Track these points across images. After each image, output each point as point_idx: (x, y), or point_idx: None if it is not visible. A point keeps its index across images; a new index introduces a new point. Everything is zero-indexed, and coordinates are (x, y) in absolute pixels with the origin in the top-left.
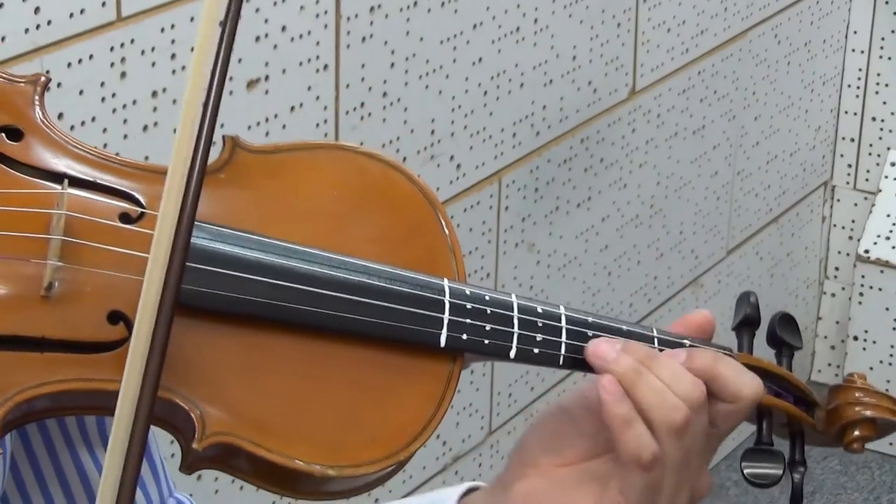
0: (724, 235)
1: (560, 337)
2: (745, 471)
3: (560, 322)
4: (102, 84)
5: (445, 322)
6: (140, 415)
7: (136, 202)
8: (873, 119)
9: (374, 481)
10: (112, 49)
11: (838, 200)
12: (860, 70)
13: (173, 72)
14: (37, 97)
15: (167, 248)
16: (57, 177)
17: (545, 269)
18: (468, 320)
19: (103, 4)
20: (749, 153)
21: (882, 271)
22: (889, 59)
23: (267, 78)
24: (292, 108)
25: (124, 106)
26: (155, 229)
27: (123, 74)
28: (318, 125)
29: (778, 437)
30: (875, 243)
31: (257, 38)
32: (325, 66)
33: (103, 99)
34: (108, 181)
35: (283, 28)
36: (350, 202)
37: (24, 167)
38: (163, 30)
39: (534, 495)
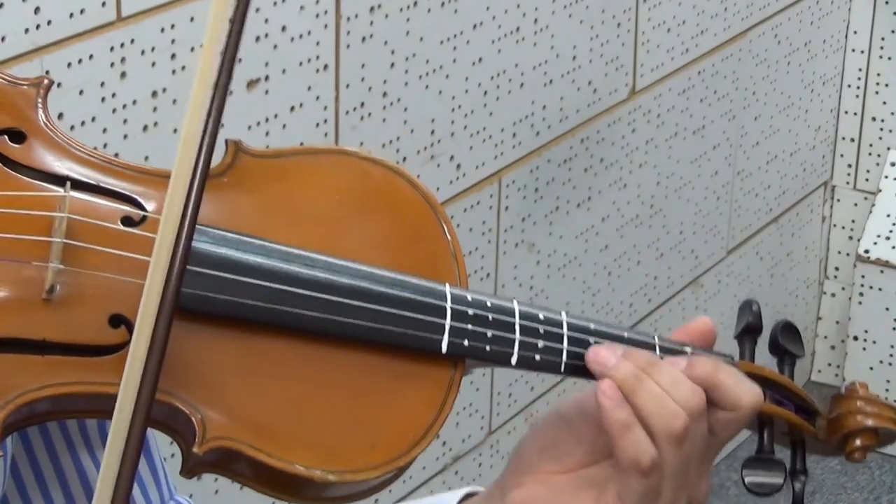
0: (724, 235)
1: (562, 344)
2: (746, 479)
3: (562, 329)
4: (102, 84)
5: (447, 328)
6: (137, 418)
7: (139, 205)
8: (873, 119)
9: (374, 487)
10: (112, 49)
11: (838, 200)
12: (860, 70)
13: (173, 72)
14: (40, 100)
15: (169, 252)
16: (59, 179)
17: (545, 269)
18: (470, 326)
19: (103, 4)
20: (749, 153)
21: (882, 271)
22: (889, 59)
23: (267, 78)
24: (292, 108)
25: (124, 106)
26: (157, 233)
27: (123, 74)
28: (318, 125)
29: (779, 445)
30: (875, 243)
31: (257, 38)
32: (325, 66)
33: (103, 99)
34: (110, 184)
35: (283, 28)
36: (352, 207)
37: (26, 170)
38: (163, 30)
39: (532, 503)
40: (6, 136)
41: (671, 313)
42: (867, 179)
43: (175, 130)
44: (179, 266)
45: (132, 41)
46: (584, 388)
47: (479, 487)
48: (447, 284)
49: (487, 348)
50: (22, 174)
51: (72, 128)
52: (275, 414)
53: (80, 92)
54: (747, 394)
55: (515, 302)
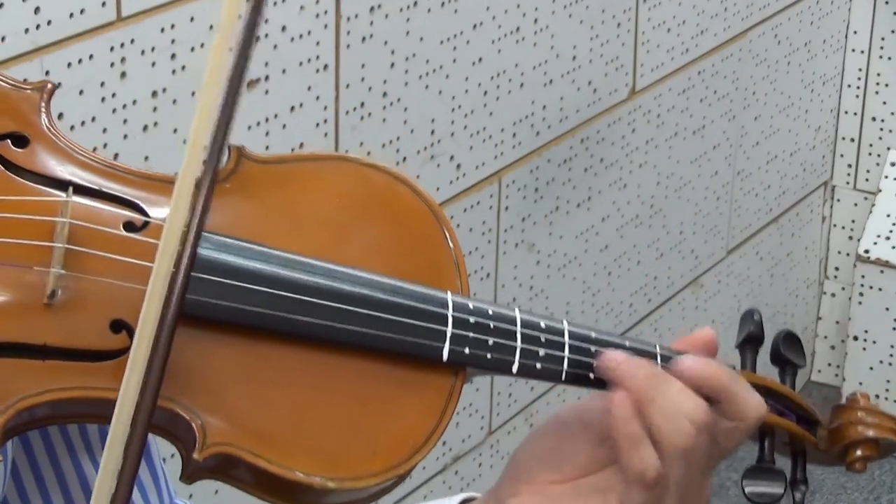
0: (724, 235)
1: (563, 352)
2: (747, 489)
3: (563, 337)
4: (102, 84)
5: (448, 336)
6: (139, 423)
7: (141, 211)
8: (873, 119)
9: (374, 494)
10: (112, 49)
11: (838, 200)
12: (860, 70)
13: (173, 72)
14: (43, 104)
15: (172, 260)
16: (62, 184)
17: (545, 269)
18: (471, 334)
19: (103, 4)
20: (749, 153)
21: (882, 271)
22: (889, 59)
23: (267, 78)
24: (292, 108)
25: (124, 106)
26: (160, 239)
27: (123, 74)
28: (318, 125)
29: (780, 455)
30: (875, 243)
31: (257, 39)
32: (325, 66)
33: (103, 99)
34: (113, 189)
35: (283, 28)
36: (354, 214)
37: (29, 174)
38: (163, 30)
39: None
40: (9, 141)
41: (671, 313)
42: (867, 179)
43: (175, 130)
44: (183, 273)
45: (132, 41)
46: (583, 390)
47: (476, 494)
48: (449, 292)
49: (489, 356)
50: (24, 179)
51: (72, 128)
52: (275, 420)
53: (80, 92)
54: (753, 405)
55: (517, 310)
